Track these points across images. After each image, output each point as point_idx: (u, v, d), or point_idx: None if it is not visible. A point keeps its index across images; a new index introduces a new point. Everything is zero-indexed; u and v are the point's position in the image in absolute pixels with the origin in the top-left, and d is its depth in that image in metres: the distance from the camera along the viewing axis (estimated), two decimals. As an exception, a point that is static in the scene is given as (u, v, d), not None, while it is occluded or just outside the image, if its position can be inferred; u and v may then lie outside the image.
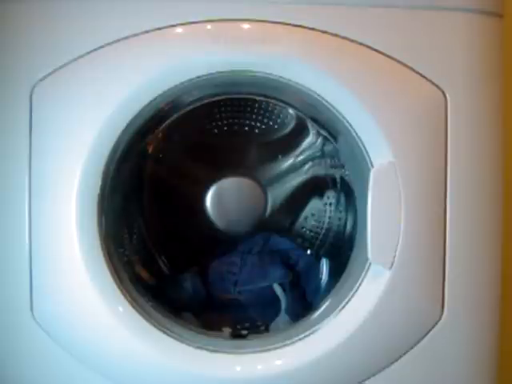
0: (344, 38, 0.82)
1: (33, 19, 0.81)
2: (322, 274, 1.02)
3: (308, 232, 1.08)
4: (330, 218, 1.06)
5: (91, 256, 0.81)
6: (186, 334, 0.85)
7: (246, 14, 0.81)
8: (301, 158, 1.06)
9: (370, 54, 0.82)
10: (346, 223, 1.03)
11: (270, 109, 1.02)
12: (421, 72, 0.83)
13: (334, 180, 1.05)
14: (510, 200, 0.90)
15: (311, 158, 1.06)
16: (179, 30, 0.81)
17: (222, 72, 0.81)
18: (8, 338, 0.84)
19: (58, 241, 0.82)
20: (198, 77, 0.81)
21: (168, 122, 0.93)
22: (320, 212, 1.07)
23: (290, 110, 1.01)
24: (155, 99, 0.81)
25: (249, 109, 1.02)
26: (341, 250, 1.00)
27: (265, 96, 0.94)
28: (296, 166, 1.07)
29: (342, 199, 1.04)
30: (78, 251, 0.80)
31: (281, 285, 1.01)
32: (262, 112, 1.03)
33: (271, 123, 1.04)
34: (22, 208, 0.82)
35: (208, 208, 1.03)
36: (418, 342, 0.85)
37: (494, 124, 0.86)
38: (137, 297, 0.84)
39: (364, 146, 0.83)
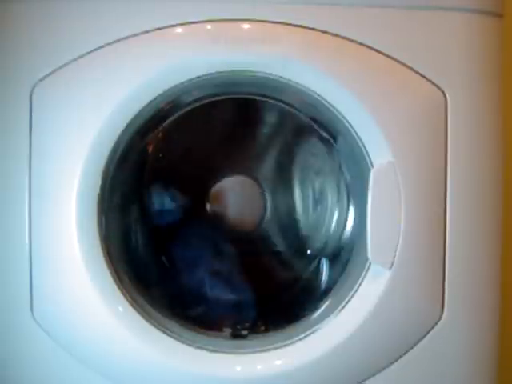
0: (344, 37, 0.82)
1: (33, 19, 0.81)
2: (322, 274, 1.02)
3: (308, 232, 1.08)
4: (330, 218, 1.06)
5: (91, 256, 0.81)
6: (186, 334, 0.85)
7: (246, 13, 0.81)
8: (301, 157, 1.06)
9: (369, 53, 0.82)
10: (346, 223, 1.03)
11: (270, 109, 1.02)
12: (421, 72, 0.83)
13: (333, 180, 1.05)
14: (510, 200, 0.90)
15: (311, 158, 1.05)
16: (179, 30, 0.81)
17: (221, 72, 0.81)
18: (8, 337, 0.84)
19: (58, 241, 0.82)
20: (198, 77, 0.81)
21: (168, 121, 0.93)
22: (320, 212, 1.07)
23: (290, 110, 1.01)
24: (155, 99, 0.81)
25: (249, 109, 1.02)
26: (341, 250, 1.00)
27: (265, 96, 0.94)
28: (296, 165, 1.07)
29: (342, 199, 1.04)
30: (78, 251, 0.80)
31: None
32: (261, 112, 1.03)
33: (271, 123, 1.04)
34: (22, 208, 0.82)
35: (208, 208, 1.03)
36: (418, 342, 0.85)
37: (493, 124, 0.86)
38: (137, 297, 0.84)
39: (364, 146, 0.83)
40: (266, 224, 1.06)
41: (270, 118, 1.03)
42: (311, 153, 1.05)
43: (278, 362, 0.83)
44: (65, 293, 0.82)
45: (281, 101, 0.93)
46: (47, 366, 0.84)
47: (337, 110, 0.82)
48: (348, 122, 0.83)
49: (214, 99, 0.92)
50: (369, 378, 0.85)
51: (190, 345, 0.83)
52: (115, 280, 0.82)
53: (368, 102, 0.81)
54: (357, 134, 0.83)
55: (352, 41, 0.82)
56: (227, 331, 0.92)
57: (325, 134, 0.97)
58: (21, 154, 0.81)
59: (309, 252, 1.07)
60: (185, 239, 1.05)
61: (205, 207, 1.03)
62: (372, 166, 0.82)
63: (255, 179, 1.04)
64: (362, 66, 0.82)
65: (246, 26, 0.81)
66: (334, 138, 0.94)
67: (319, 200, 1.07)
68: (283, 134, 1.05)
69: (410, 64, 0.82)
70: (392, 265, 0.82)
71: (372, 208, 0.81)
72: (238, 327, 0.95)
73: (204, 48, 0.81)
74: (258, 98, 0.96)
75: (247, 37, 0.81)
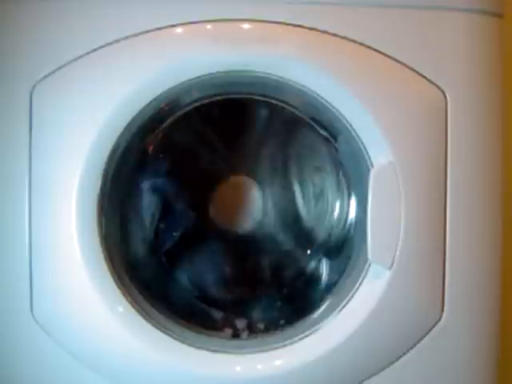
0: (344, 37, 0.82)
1: (33, 19, 0.81)
2: (322, 274, 1.02)
3: (308, 232, 1.08)
4: (330, 217, 1.06)
5: (91, 256, 0.81)
6: (186, 334, 0.85)
7: (246, 13, 0.81)
8: (301, 157, 1.06)
9: (369, 53, 0.82)
10: (346, 223, 1.03)
11: (270, 109, 1.02)
12: (421, 72, 0.83)
13: (334, 180, 1.05)
14: (510, 200, 0.90)
15: (311, 158, 1.05)
16: (179, 30, 0.81)
17: (221, 72, 0.81)
18: (8, 337, 0.84)
19: (58, 241, 0.82)
20: (198, 77, 0.81)
21: (168, 121, 0.93)
22: (320, 212, 1.07)
23: (291, 111, 1.01)
24: (155, 99, 0.81)
25: (249, 109, 1.02)
26: (341, 250, 1.00)
27: (265, 96, 0.94)
28: (296, 166, 1.07)
29: (342, 199, 1.04)
30: (78, 251, 0.80)
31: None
32: (262, 112, 1.03)
33: (271, 123, 1.04)
34: (22, 208, 0.82)
35: (208, 208, 1.03)
36: (418, 341, 0.85)
37: (494, 124, 0.86)
38: (137, 297, 0.84)
39: (364, 146, 0.83)
40: (267, 224, 1.06)
41: (270, 118, 1.03)
42: (311, 152, 1.05)
43: (278, 362, 0.83)
44: (65, 293, 0.82)
45: (281, 101, 0.93)
46: (47, 366, 0.84)
47: (337, 110, 0.82)
48: (348, 122, 0.83)
49: (214, 99, 0.92)
50: (369, 378, 0.85)
51: (190, 345, 0.83)
52: (115, 280, 0.82)
53: (368, 102, 0.81)
54: (357, 134, 0.83)
55: (352, 41, 0.82)
56: (227, 331, 0.92)
57: (325, 134, 0.97)
58: (21, 154, 0.81)
59: (309, 251, 1.07)
60: (185, 239, 1.05)
61: (205, 207, 1.03)
62: (372, 165, 0.82)
63: (256, 179, 1.04)
64: (361, 66, 0.82)
65: (246, 25, 0.81)
66: (334, 138, 0.94)
67: (319, 199, 1.07)
68: (283, 133, 1.05)
69: (409, 64, 0.82)
70: (392, 265, 0.82)
71: (372, 208, 0.81)
72: (239, 327, 0.95)
73: (204, 48, 0.81)
74: (257, 98, 0.96)
75: (247, 37, 0.81)
